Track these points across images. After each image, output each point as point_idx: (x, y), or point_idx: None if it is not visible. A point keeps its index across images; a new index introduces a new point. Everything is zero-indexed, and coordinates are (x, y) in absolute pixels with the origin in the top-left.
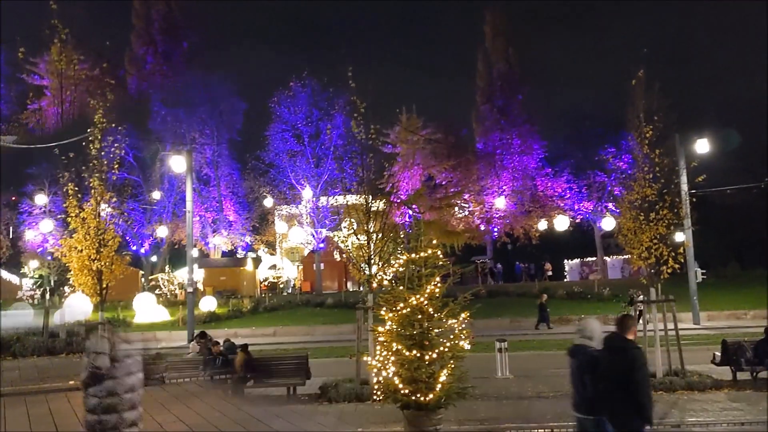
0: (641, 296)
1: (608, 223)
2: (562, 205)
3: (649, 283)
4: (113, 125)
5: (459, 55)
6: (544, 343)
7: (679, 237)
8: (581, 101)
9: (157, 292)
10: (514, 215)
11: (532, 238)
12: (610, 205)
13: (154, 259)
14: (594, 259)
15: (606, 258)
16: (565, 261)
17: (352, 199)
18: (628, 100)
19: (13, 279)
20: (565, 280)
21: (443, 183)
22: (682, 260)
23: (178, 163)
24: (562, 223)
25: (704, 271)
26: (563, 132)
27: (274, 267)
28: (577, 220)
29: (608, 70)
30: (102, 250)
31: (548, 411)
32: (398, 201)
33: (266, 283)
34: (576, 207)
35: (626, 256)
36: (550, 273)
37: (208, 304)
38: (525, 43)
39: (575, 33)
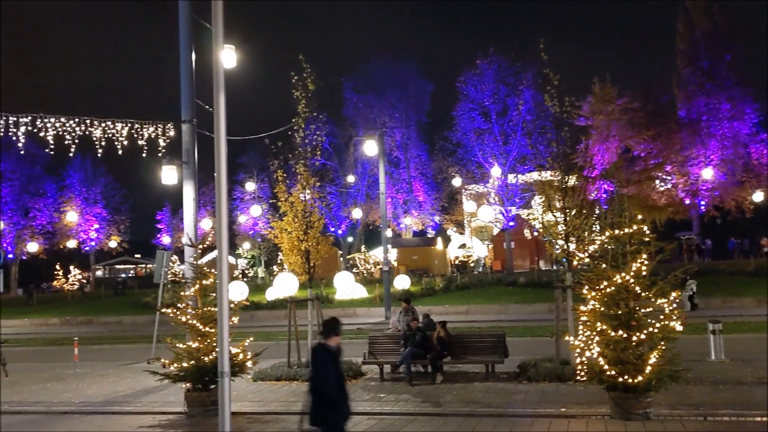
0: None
1: None
2: None
3: None
4: (314, 114)
5: (656, 17)
6: (761, 325)
7: None
8: None
9: (354, 270)
10: (724, 187)
11: (746, 211)
12: None
13: (350, 239)
14: None
15: None
16: None
17: (545, 175)
18: None
19: (230, 259)
20: None
21: (642, 155)
22: None
23: (370, 148)
24: None
25: None
26: None
27: (463, 246)
28: None
29: None
30: (309, 231)
31: None
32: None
33: (457, 261)
34: None
35: None
36: (767, 249)
37: (402, 282)
38: None
39: None
